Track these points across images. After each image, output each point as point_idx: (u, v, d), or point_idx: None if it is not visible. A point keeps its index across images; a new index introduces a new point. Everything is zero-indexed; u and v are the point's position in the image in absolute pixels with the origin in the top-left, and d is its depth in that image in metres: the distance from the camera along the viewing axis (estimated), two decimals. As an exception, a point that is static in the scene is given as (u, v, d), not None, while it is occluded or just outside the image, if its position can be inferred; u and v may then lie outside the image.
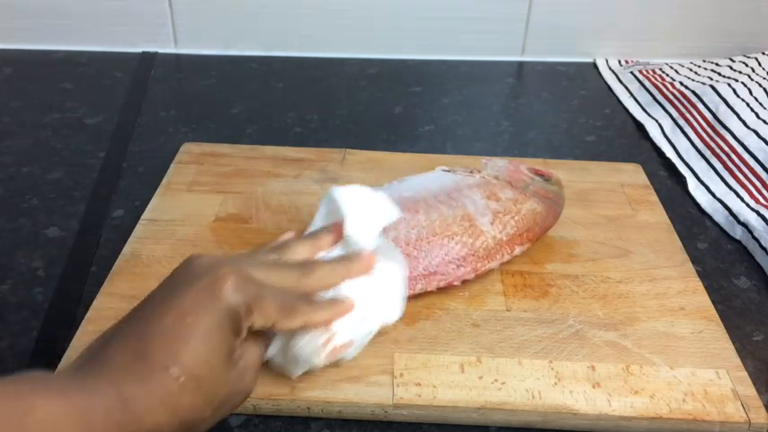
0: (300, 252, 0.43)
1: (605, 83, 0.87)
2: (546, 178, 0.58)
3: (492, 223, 0.52)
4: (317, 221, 0.47)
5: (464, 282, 0.51)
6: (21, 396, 0.31)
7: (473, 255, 0.51)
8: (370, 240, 0.43)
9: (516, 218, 0.53)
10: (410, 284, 0.49)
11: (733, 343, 0.48)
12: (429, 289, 0.50)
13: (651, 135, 0.75)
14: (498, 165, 0.58)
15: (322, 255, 0.44)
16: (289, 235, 0.47)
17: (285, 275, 0.40)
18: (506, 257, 0.53)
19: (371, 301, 0.42)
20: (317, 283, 0.41)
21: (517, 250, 0.53)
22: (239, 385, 0.38)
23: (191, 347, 0.34)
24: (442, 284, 0.50)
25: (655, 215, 0.61)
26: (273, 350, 0.41)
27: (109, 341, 0.35)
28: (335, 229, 0.44)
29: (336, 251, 0.44)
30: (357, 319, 0.42)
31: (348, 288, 0.42)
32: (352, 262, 0.43)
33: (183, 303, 0.35)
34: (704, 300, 0.52)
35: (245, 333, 0.37)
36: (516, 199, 0.54)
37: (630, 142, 0.75)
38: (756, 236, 0.59)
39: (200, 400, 0.35)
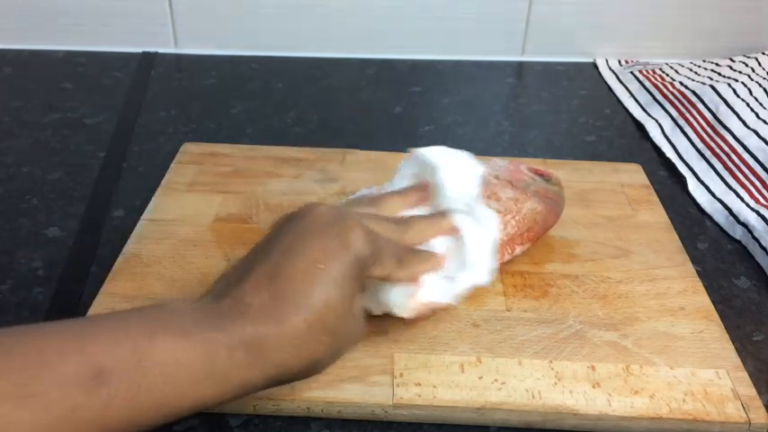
0: (394, 208, 0.46)
1: (605, 83, 0.87)
2: (546, 178, 0.58)
3: (492, 223, 0.52)
4: (397, 182, 0.49)
5: (464, 282, 0.51)
6: (139, 339, 0.31)
7: (473, 255, 0.51)
8: (464, 199, 0.45)
9: (517, 217, 0.53)
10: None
11: (733, 343, 0.48)
12: (429, 289, 0.50)
13: (651, 135, 0.75)
14: (499, 164, 0.58)
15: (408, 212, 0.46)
16: (374, 190, 0.49)
17: (390, 230, 0.42)
18: (507, 257, 0.53)
19: (458, 262, 0.44)
20: (415, 238, 0.44)
21: (518, 250, 0.53)
22: (353, 333, 0.40)
23: (322, 293, 0.36)
24: (442, 284, 0.50)
25: (655, 215, 0.61)
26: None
27: (240, 280, 0.36)
28: (423, 189, 0.46)
29: (420, 210, 0.46)
30: (443, 278, 0.44)
31: (439, 245, 0.44)
32: (441, 219, 0.45)
33: (313, 250, 0.37)
34: (704, 300, 0.52)
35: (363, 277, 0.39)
36: (517, 198, 0.54)
37: (630, 142, 0.75)
38: (756, 236, 0.59)
39: (324, 344, 0.36)
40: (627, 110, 0.81)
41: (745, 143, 0.69)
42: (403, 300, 0.43)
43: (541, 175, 0.58)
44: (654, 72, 0.87)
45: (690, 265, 0.55)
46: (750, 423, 0.43)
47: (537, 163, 0.64)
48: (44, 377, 0.29)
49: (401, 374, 0.45)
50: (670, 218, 0.61)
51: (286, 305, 0.35)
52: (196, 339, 0.33)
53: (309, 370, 0.37)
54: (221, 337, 0.33)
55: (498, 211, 0.53)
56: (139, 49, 0.91)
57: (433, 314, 0.44)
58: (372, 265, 0.39)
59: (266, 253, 0.38)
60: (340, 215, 0.39)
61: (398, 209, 0.46)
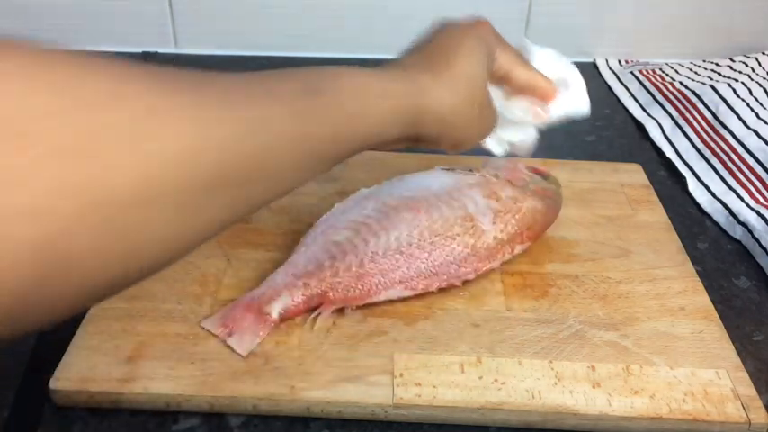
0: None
1: (605, 83, 0.87)
2: (544, 176, 0.58)
3: (493, 223, 0.52)
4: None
5: (464, 281, 0.51)
6: (338, 71, 0.39)
7: (474, 255, 0.51)
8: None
9: (517, 216, 0.53)
10: (412, 284, 0.49)
11: (733, 343, 0.48)
12: (430, 289, 0.50)
13: (651, 135, 0.75)
14: (498, 163, 0.58)
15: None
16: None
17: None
18: (507, 256, 0.53)
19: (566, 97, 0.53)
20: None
21: (518, 249, 0.53)
22: (490, 122, 0.49)
23: (465, 59, 0.45)
24: (443, 285, 0.50)
25: (655, 215, 0.61)
26: None
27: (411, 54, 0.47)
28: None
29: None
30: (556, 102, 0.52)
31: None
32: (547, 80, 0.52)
33: (453, 38, 0.46)
34: (704, 300, 0.52)
35: (493, 67, 0.48)
36: (516, 197, 0.54)
37: (630, 142, 0.75)
38: (756, 236, 0.59)
39: (473, 115, 0.45)
40: (627, 110, 0.81)
41: (745, 143, 0.69)
42: (526, 110, 0.51)
43: (539, 173, 0.58)
44: (654, 72, 0.87)
45: (690, 265, 0.55)
46: (750, 423, 0.43)
47: (537, 163, 0.64)
48: (272, 89, 0.35)
49: (401, 374, 0.45)
50: (670, 218, 0.61)
51: (442, 64, 0.44)
52: (380, 76, 0.41)
53: (454, 135, 0.45)
54: (397, 81, 0.42)
55: (498, 211, 0.53)
56: (139, 49, 0.91)
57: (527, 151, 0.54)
58: (498, 47, 0.47)
59: (420, 47, 0.47)
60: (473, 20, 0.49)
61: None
